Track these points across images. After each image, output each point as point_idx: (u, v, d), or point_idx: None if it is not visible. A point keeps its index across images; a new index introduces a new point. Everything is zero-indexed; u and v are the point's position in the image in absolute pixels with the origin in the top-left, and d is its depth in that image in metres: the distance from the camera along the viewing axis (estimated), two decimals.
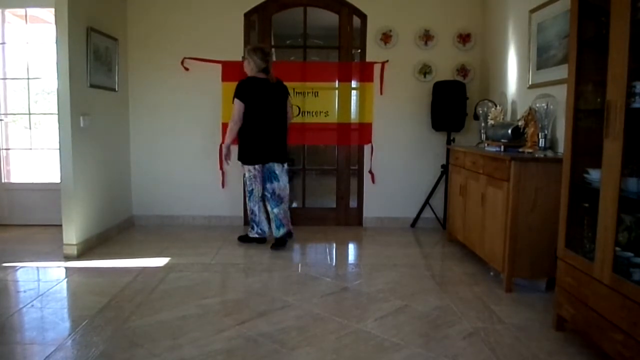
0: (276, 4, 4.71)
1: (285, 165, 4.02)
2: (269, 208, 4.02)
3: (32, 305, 2.74)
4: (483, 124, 4.03)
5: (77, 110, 3.72)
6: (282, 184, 3.97)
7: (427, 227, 4.76)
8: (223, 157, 4.06)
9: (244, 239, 4.15)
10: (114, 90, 4.36)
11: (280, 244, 3.98)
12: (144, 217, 4.82)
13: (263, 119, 3.83)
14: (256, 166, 3.91)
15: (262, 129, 3.84)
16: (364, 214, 4.88)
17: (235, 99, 3.79)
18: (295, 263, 3.67)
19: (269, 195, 3.97)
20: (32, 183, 4.78)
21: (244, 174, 4.00)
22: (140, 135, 4.74)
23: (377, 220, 4.85)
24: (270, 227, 4.08)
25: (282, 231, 3.98)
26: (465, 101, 4.47)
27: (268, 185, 3.96)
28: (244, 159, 3.91)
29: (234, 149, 4.01)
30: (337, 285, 3.17)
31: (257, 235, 4.09)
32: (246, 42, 4.68)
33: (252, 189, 3.96)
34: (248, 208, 4.09)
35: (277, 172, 3.94)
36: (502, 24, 4.22)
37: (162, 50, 4.63)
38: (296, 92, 4.61)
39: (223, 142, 4.64)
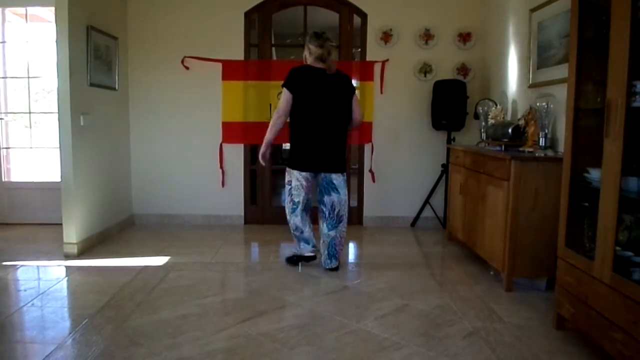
0: (276, 3, 4.70)
1: (344, 176, 3.36)
2: (323, 229, 3.35)
3: (33, 304, 2.74)
4: (483, 123, 4.03)
5: (77, 109, 3.72)
6: (342, 197, 3.32)
7: (427, 227, 4.76)
8: (260, 157, 3.36)
9: (291, 261, 3.49)
10: (114, 89, 4.36)
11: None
12: (144, 216, 4.82)
13: (317, 116, 3.21)
14: (305, 174, 3.26)
15: (315, 129, 3.22)
16: (364, 213, 4.88)
17: (284, 88, 3.22)
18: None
19: (326, 213, 3.33)
20: (33, 182, 4.78)
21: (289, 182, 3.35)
22: (140, 134, 4.74)
23: (377, 219, 4.85)
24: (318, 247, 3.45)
25: (333, 263, 3.35)
26: (466, 100, 4.46)
27: (326, 198, 3.32)
28: (293, 163, 3.29)
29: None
30: (337, 284, 3.17)
31: (310, 254, 3.43)
32: (246, 41, 4.69)
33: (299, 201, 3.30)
34: (291, 224, 3.40)
35: (335, 182, 3.30)
36: (503, 23, 4.22)
37: (163, 49, 4.63)
38: None
39: (222, 140, 4.70)
